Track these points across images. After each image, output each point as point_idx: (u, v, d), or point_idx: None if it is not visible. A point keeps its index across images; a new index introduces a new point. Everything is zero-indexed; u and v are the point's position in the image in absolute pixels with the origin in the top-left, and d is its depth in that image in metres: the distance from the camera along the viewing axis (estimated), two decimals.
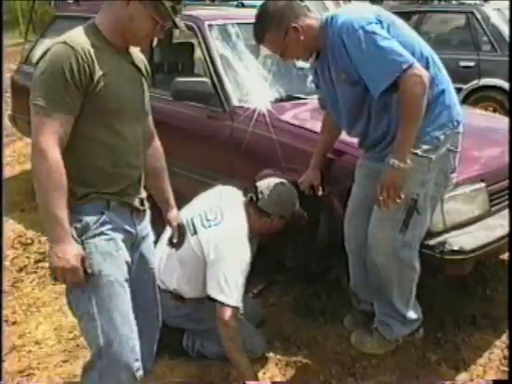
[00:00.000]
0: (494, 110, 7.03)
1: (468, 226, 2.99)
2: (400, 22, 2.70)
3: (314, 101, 3.74)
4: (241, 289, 2.80)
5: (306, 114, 3.85)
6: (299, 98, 3.95)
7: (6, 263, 4.20)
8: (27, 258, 4.30)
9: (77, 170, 1.99)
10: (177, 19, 2.04)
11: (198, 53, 4.86)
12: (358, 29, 2.50)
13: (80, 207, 2.00)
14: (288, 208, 3.01)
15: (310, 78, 3.95)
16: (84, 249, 1.98)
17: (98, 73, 1.94)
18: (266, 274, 3.86)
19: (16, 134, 6.69)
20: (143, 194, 2.25)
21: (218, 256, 2.75)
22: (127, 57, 2.12)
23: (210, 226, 2.85)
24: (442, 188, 2.74)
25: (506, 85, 6.94)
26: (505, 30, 7.15)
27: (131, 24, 2.00)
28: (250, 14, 4.35)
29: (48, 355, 3.17)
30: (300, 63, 3.82)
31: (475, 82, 7.25)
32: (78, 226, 1.99)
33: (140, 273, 2.28)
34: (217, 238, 2.77)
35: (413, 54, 2.56)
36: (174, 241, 2.51)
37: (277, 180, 3.04)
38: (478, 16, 7.28)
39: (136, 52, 2.20)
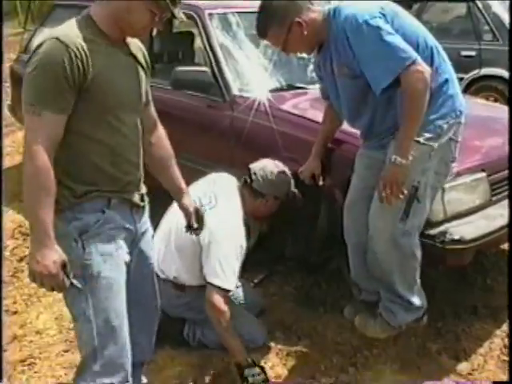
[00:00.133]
0: (496, 100, 7.00)
1: (469, 215, 2.98)
2: (404, 13, 2.69)
3: (314, 90, 3.73)
4: (236, 272, 2.82)
5: (307, 104, 3.84)
6: (300, 88, 3.93)
7: (6, 253, 4.21)
8: (27, 248, 4.28)
9: (75, 168, 1.95)
10: (176, 10, 1.97)
11: (198, 42, 4.83)
12: (362, 23, 2.49)
13: (80, 205, 1.96)
14: (282, 188, 3.02)
15: (311, 67, 3.94)
16: (84, 249, 1.95)
17: (93, 70, 1.87)
18: (267, 264, 3.86)
19: (16, 124, 6.67)
20: (143, 190, 2.20)
21: (213, 239, 2.75)
22: (124, 48, 2.05)
23: (205, 211, 2.86)
24: (442, 177, 2.74)
25: (507, 74, 6.91)
26: (506, 19, 7.11)
27: (128, 16, 1.93)
28: (250, 3, 4.34)
29: (49, 345, 3.18)
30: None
31: (476, 71, 7.22)
32: (78, 224, 1.95)
33: (139, 268, 2.24)
34: (211, 221, 2.76)
35: (417, 44, 2.56)
36: (195, 226, 2.40)
37: (270, 161, 3.06)
38: (479, 5, 7.24)
39: (133, 40, 2.13)
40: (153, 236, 2.40)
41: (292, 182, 3.06)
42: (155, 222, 2.49)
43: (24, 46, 5.96)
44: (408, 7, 7.36)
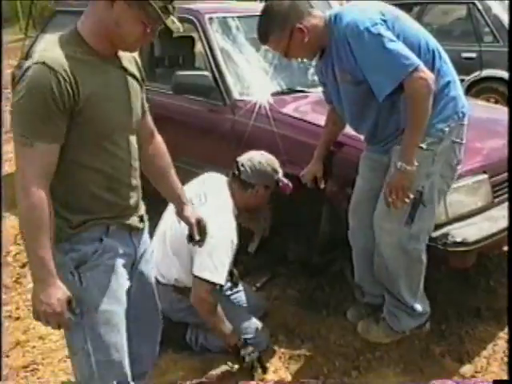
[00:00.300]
0: (496, 101, 7.00)
1: (471, 217, 2.98)
2: (404, 16, 2.69)
3: (315, 93, 3.74)
4: (227, 266, 2.81)
5: (307, 107, 3.84)
6: (300, 91, 3.93)
7: (9, 259, 4.21)
8: None
9: (70, 197, 1.87)
10: (169, 21, 1.80)
11: (198, 46, 4.84)
12: (364, 30, 2.49)
13: (76, 236, 1.88)
14: (270, 176, 3.01)
15: (311, 70, 3.95)
16: (81, 282, 1.89)
17: (83, 93, 1.75)
18: (269, 267, 3.86)
19: None
20: (142, 210, 2.13)
21: None
22: (116, 62, 1.92)
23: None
24: (448, 180, 2.75)
25: (508, 76, 6.90)
26: (506, 21, 7.10)
27: (118, 29, 1.79)
28: (250, 7, 4.36)
29: (52, 350, 3.18)
30: None
31: (477, 73, 7.22)
32: (75, 256, 1.88)
33: (140, 288, 2.18)
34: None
35: (418, 47, 2.56)
36: (197, 237, 2.31)
37: (256, 152, 3.07)
38: (480, 6, 7.24)
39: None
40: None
41: (280, 170, 3.06)
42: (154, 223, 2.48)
43: (25, 52, 5.97)
44: (408, 10, 7.37)
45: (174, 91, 3.87)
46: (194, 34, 4.71)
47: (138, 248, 2.12)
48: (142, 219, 2.11)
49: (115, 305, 1.97)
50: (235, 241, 2.87)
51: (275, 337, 3.21)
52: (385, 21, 2.54)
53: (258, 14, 2.79)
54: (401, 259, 2.76)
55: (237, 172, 3.01)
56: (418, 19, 6.82)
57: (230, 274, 3.24)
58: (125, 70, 1.95)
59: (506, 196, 3.13)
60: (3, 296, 3.46)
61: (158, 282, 2.46)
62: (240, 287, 3.29)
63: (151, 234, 2.43)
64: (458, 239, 2.80)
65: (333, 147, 3.17)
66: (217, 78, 3.80)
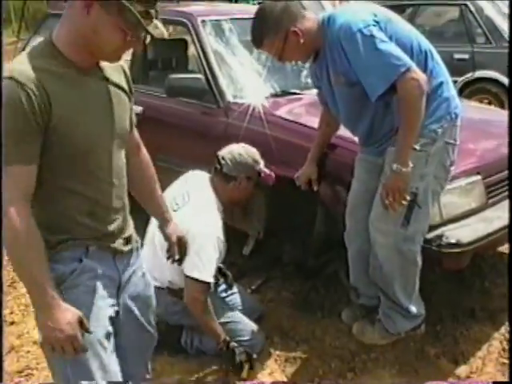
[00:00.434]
0: (489, 103, 7.03)
1: (465, 218, 2.99)
2: (396, 18, 2.70)
3: (308, 96, 3.75)
4: (214, 263, 2.82)
5: (301, 109, 3.85)
6: (294, 93, 3.93)
7: (3, 263, 4.18)
8: None
9: (48, 218, 1.75)
10: (151, 26, 1.66)
11: (191, 49, 4.84)
12: (356, 32, 2.49)
13: (56, 255, 1.76)
14: (252, 167, 3.02)
15: (305, 72, 3.95)
16: None
17: (56, 109, 1.62)
18: (264, 270, 3.86)
19: None
20: (129, 231, 1.99)
21: (188, 233, 2.76)
22: (98, 73, 1.79)
23: (179, 209, 2.89)
24: (442, 181, 2.75)
25: (500, 77, 6.94)
26: (499, 22, 7.14)
27: (95, 37, 1.64)
28: (243, 10, 4.36)
29: None
30: None
31: (470, 74, 7.26)
32: (53, 275, 1.72)
33: (129, 312, 2.03)
34: (185, 216, 2.78)
35: (411, 48, 2.57)
36: (176, 257, 2.29)
37: (236, 145, 3.09)
38: (472, 8, 7.27)
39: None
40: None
41: (261, 160, 3.06)
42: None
43: (17, 55, 5.94)
44: (401, 11, 7.40)
45: (167, 94, 3.86)
46: (187, 37, 4.71)
47: (125, 272, 1.98)
48: (128, 241, 1.98)
49: (97, 327, 1.82)
50: (221, 237, 2.88)
51: (270, 339, 3.21)
52: (377, 22, 2.54)
53: (251, 16, 2.79)
54: (396, 261, 2.76)
55: (218, 166, 3.02)
56: (410, 21, 6.85)
57: (224, 275, 3.24)
58: (108, 81, 1.82)
59: (499, 197, 3.14)
60: None
61: None
62: (235, 289, 3.29)
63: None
64: (453, 240, 2.81)
65: (326, 149, 3.17)
66: (210, 81, 3.80)
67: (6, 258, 1.85)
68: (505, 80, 6.84)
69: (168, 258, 2.32)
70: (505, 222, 2.96)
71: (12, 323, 3.49)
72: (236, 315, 3.11)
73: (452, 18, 7.87)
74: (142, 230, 2.47)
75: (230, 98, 3.75)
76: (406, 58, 2.47)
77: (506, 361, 2.95)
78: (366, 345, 3.07)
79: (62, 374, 1.83)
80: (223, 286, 3.23)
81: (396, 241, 2.72)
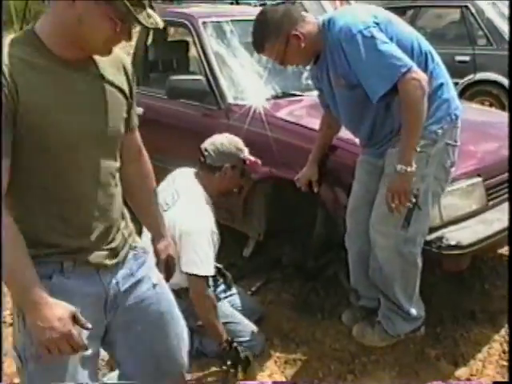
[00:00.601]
0: (491, 105, 7.02)
1: (465, 220, 2.99)
2: (397, 19, 2.70)
3: (309, 97, 3.75)
4: (211, 256, 2.83)
5: (302, 111, 3.85)
6: (295, 95, 3.94)
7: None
8: None
9: (20, 225, 1.54)
10: (142, 15, 1.52)
11: (192, 51, 4.85)
12: (356, 33, 2.50)
13: None
14: (235, 155, 3.01)
15: (306, 74, 3.95)
16: (24, 325, 1.60)
17: (25, 101, 1.48)
18: (264, 272, 3.85)
19: None
20: (116, 242, 1.79)
21: (182, 231, 2.78)
22: (89, 68, 1.65)
23: (169, 208, 2.89)
24: (442, 182, 2.75)
25: (502, 79, 6.93)
26: (500, 24, 7.13)
27: (81, 27, 1.51)
28: (244, 11, 4.36)
29: None
30: None
31: (471, 76, 7.24)
32: None
33: (129, 328, 1.87)
34: (176, 214, 2.79)
35: (411, 50, 2.57)
36: (163, 276, 2.10)
37: (218, 135, 3.10)
38: (473, 10, 7.26)
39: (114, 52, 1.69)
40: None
41: (245, 148, 3.06)
42: None
43: None
44: (402, 13, 7.40)
45: (168, 96, 3.87)
46: (188, 39, 4.72)
47: (117, 284, 1.80)
48: (116, 253, 1.79)
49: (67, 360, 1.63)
50: (214, 229, 2.89)
51: (270, 341, 3.20)
52: (378, 23, 2.54)
53: (252, 18, 2.79)
54: (396, 263, 2.76)
55: (202, 158, 3.02)
56: (411, 23, 6.86)
57: (224, 276, 3.24)
58: (101, 78, 1.68)
59: (500, 199, 3.14)
60: None
61: None
62: (234, 290, 3.29)
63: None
64: (453, 242, 2.81)
65: (327, 151, 3.17)
66: (211, 83, 3.80)
67: None
68: (506, 82, 6.83)
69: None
70: (505, 224, 2.96)
71: (11, 325, 3.48)
72: (236, 316, 3.11)
73: (453, 20, 7.87)
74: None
75: (230, 99, 3.75)
76: (406, 59, 2.47)
77: (506, 363, 2.95)
78: (366, 347, 3.07)
79: None
80: (222, 287, 3.23)
81: (396, 243, 2.72)
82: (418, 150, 2.56)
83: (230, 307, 3.17)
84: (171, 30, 6.31)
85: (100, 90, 1.67)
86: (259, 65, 4.08)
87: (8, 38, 1.55)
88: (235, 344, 2.87)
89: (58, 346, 1.53)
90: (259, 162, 3.05)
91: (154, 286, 1.91)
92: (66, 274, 1.66)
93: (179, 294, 2.94)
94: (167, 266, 2.10)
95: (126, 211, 1.90)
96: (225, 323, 2.96)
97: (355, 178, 2.96)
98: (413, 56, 2.56)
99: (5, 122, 1.46)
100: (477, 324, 3.31)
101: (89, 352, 1.69)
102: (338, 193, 3.11)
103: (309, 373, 2.99)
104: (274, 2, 2.93)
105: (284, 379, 2.96)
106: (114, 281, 1.78)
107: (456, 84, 6.74)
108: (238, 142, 3.05)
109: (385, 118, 2.69)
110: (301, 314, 3.46)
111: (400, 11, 6.97)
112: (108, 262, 1.76)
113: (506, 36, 6.93)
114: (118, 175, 1.79)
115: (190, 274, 2.78)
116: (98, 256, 1.72)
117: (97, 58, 1.67)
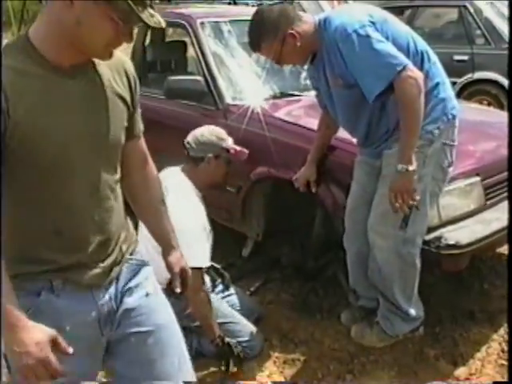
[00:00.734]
0: (489, 104, 7.03)
1: (464, 220, 2.98)
2: (393, 19, 2.70)
3: (307, 97, 3.75)
4: (206, 248, 2.82)
5: (300, 111, 3.84)
6: (293, 95, 3.93)
7: None
8: None
9: (9, 241, 1.45)
10: (145, 14, 1.43)
11: (190, 51, 4.84)
12: (352, 33, 2.50)
13: (18, 285, 1.48)
14: (216, 144, 3.02)
15: (304, 74, 3.95)
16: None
17: (16, 112, 1.39)
18: (263, 272, 3.85)
19: None
20: (112, 257, 1.70)
21: (175, 229, 2.77)
22: (88, 74, 1.55)
23: None
24: (440, 182, 2.75)
25: (500, 78, 6.94)
26: (498, 24, 7.14)
27: (80, 30, 1.42)
28: (242, 12, 4.36)
29: None
30: None
31: (469, 75, 7.25)
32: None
33: (127, 342, 1.77)
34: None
35: (407, 49, 2.57)
36: (177, 290, 1.97)
37: (200, 128, 3.10)
38: (471, 9, 7.27)
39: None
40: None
41: (227, 137, 3.06)
42: None
43: None
44: (400, 13, 7.41)
45: (166, 96, 3.86)
46: (186, 39, 4.71)
47: (106, 300, 1.70)
48: (110, 269, 1.69)
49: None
50: (206, 222, 2.89)
51: (269, 341, 3.20)
52: (373, 23, 2.54)
53: (249, 18, 2.78)
54: (395, 263, 2.76)
55: (186, 152, 3.02)
56: (409, 23, 6.87)
57: (222, 276, 3.24)
58: (101, 84, 1.59)
59: (498, 198, 3.14)
60: None
61: None
62: (232, 290, 3.29)
63: None
64: (451, 242, 2.80)
65: (326, 151, 3.17)
66: (209, 83, 3.80)
67: None
68: (504, 81, 6.83)
69: (170, 292, 2.01)
70: (503, 223, 2.96)
71: None
72: (235, 316, 3.10)
73: (451, 19, 7.87)
74: None
75: (229, 99, 3.75)
76: (402, 57, 2.47)
77: (505, 362, 2.95)
78: (365, 347, 3.07)
79: None
80: (220, 287, 3.23)
81: (395, 243, 2.72)
82: (416, 150, 2.56)
83: (229, 307, 3.17)
84: (169, 30, 6.31)
85: (98, 98, 1.58)
86: (257, 65, 4.08)
87: (2, 45, 1.49)
88: (228, 340, 2.87)
89: (35, 372, 1.41)
90: (245, 150, 3.05)
91: (147, 295, 1.81)
92: (56, 292, 1.58)
93: (177, 293, 2.94)
94: (182, 279, 1.97)
95: (128, 221, 1.83)
96: (224, 323, 2.96)
97: (354, 178, 2.96)
98: (409, 55, 2.56)
99: None
100: (476, 324, 3.31)
101: (87, 371, 1.67)
102: (337, 193, 3.11)
103: (308, 373, 2.99)
104: (271, 2, 2.92)
105: (283, 379, 2.96)
106: (107, 297, 1.70)
107: (454, 83, 6.76)
108: (220, 132, 3.06)
109: (380, 117, 2.69)
110: (300, 314, 3.46)
111: (398, 11, 6.99)
112: (101, 281, 1.68)
113: (505, 35, 6.94)
114: (118, 188, 1.71)
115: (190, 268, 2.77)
116: (90, 277, 1.64)
117: (96, 62, 1.58)
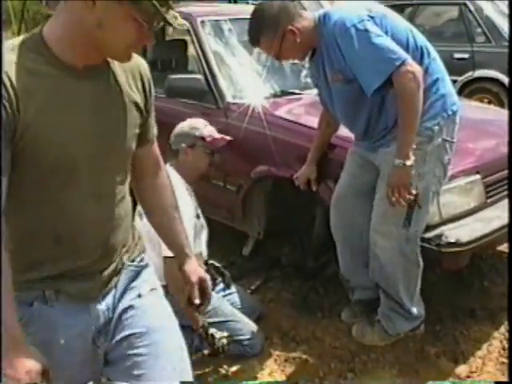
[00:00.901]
0: (490, 102, 7.02)
1: (464, 218, 2.98)
2: (392, 14, 2.70)
3: (308, 96, 3.75)
4: (192, 238, 2.79)
5: (301, 109, 3.85)
6: (293, 93, 3.93)
7: None
8: None
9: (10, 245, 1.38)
10: (168, 15, 1.38)
11: (191, 50, 4.84)
12: (350, 27, 2.50)
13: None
14: (189, 134, 3.04)
15: (304, 72, 3.95)
16: None
17: (26, 113, 1.33)
18: (263, 270, 3.86)
19: None
20: (112, 266, 1.63)
21: None
22: (102, 76, 1.50)
23: None
24: (441, 179, 2.74)
25: (500, 76, 6.93)
26: (498, 21, 7.14)
27: (101, 31, 1.36)
28: (242, 10, 4.35)
29: None
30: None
31: (470, 73, 7.25)
32: None
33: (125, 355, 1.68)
34: None
35: (407, 44, 2.57)
36: (196, 301, 1.88)
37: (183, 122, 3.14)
38: (471, 7, 7.27)
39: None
40: None
41: (202, 127, 3.08)
42: None
43: None
44: (400, 11, 7.39)
45: (166, 95, 3.86)
46: (187, 38, 4.71)
47: (103, 311, 1.63)
48: (108, 280, 1.63)
49: None
50: (194, 215, 2.93)
51: (270, 339, 3.21)
52: (372, 17, 2.55)
53: (250, 16, 2.79)
54: (399, 262, 2.75)
55: (169, 146, 3.05)
56: (410, 21, 6.81)
57: (222, 275, 3.23)
58: (116, 87, 1.53)
59: (498, 196, 3.14)
60: None
61: None
62: (233, 289, 3.28)
63: None
64: (452, 240, 2.80)
65: (326, 149, 3.17)
66: (210, 82, 3.80)
67: None
68: (505, 79, 6.83)
69: (188, 304, 1.92)
70: (504, 221, 2.96)
71: None
72: (236, 314, 3.10)
73: (451, 17, 7.86)
74: None
75: (229, 98, 3.74)
76: (401, 51, 2.47)
77: (506, 360, 2.95)
78: (366, 345, 3.07)
79: None
80: (221, 286, 3.23)
81: (399, 242, 2.71)
82: (414, 147, 2.56)
83: (230, 306, 3.17)
84: (169, 29, 6.30)
85: (109, 102, 1.51)
86: (258, 63, 4.08)
87: (12, 41, 1.41)
88: (212, 330, 2.85)
89: None
90: (226, 138, 3.09)
91: (139, 296, 1.72)
92: (50, 303, 1.51)
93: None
94: (201, 290, 1.88)
95: (136, 229, 1.78)
96: (224, 322, 2.96)
97: (344, 168, 2.96)
98: (408, 50, 2.55)
99: (4, 138, 1.31)
100: (476, 322, 3.31)
101: None
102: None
103: (309, 371, 3.00)
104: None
105: (284, 378, 2.96)
106: (104, 307, 1.63)
107: (454, 81, 6.74)
108: (196, 121, 3.10)
109: (379, 113, 2.69)
110: (300, 313, 3.47)
111: (398, 9, 6.96)
112: (98, 292, 1.61)
113: (505, 33, 6.94)
114: (127, 195, 1.66)
115: (169, 257, 2.71)
116: (87, 288, 1.57)
117: (111, 63, 1.52)
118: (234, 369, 2.95)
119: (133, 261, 1.72)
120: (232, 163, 3.61)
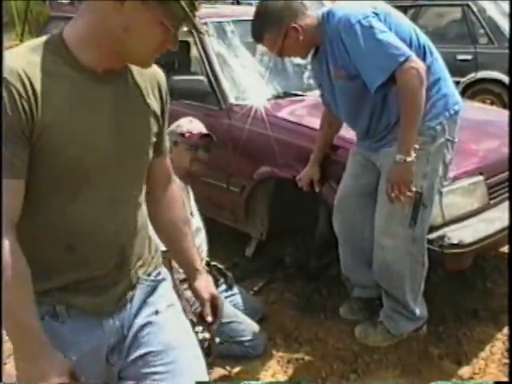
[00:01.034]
0: (492, 103, 7.02)
1: (467, 219, 2.98)
2: (396, 12, 2.71)
3: (311, 97, 3.75)
4: None
5: (303, 111, 3.85)
6: (296, 95, 3.94)
7: None
8: None
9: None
10: (197, 21, 1.34)
11: (194, 51, 4.84)
12: (355, 23, 2.50)
13: None
14: (173, 131, 3.02)
15: (307, 74, 3.95)
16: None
17: (44, 115, 1.29)
18: (267, 271, 3.86)
19: None
20: (127, 280, 1.58)
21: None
22: (121, 81, 1.46)
23: None
24: (443, 178, 2.75)
25: (503, 77, 6.93)
26: (501, 23, 7.13)
27: (127, 35, 1.32)
28: (245, 12, 4.35)
29: None
30: (297, 59, 3.82)
31: (472, 75, 7.25)
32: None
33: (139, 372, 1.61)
34: None
35: (410, 42, 2.58)
36: (209, 319, 1.80)
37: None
38: (474, 9, 7.27)
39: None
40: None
41: (185, 123, 3.08)
42: None
43: None
44: (403, 12, 7.36)
45: (169, 96, 3.86)
46: (190, 39, 4.71)
47: (117, 327, 1.57)
48: (123, 294, 1.57)
49: None
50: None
51: (273, 340, 3.21)
52: (376, 14, 2.55)
53: (253, 13, 2.79)
54: (406, 263, 2.75)
55: None
56: (412, 22, 6.82)
57: (224, 276, 3.24)
58: (134, 94, 1.49)
59: (501, 197, 3.14)
60: None
61: None
62: (235, 290, 3.28)
63: None
64: (455, 241, 2.80)
65: (329, 150, 3.17)
66: (212, 83, 3.80)
67: None
68: (507, 80, 6.83)
69: (200, 321, 1.88)
70: (506, 223, 2.96)
71: None
72: (238, 316, 3.11)
73: (454, 18, 7.86)
74: None
75: (232, 99, 3.75)
76: (404, 48, 2.47)
77: (508, 361, 2.95)
78: (369, 346, 3.07)
79: None
80: (223, 287, 3.23)
81: (405, 243, 2.71)
82: (417, 147, 2.56)
83: (232, 307, 3.18)
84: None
85: (128, 108, 1.46)
86: (260, 65, 4.09)
87: (34, 42, 1.37)
88: (196, 329, 2.82)
89: None
90: (203, 131, 3.07)
91: (157, 312, 1.65)
92: (61, 319, 1.46)
93: (176, 288, 2.94)
94: (214, 307, 1.83)
95: (152, 240, 1.72)
96: (227, 323, 2.96)
97: (347, 168, 2.96)
98: (411, 48, 2.55)
99: (18, 138, 1.27)
100: (479, 322, 3.31)
101: None
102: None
103: (312, 372, 2.99)
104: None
105: (287, 379, 2.96)
106: (118, 323, 1.56)
107: (457, 83, 6.76)
108: (185, 120, 3.09)
109: (382, 110, 2.68)
110: (303, 314, 3.47)
111: (401, 10, 6.94)
112: (111, 307, 1.55)
113: (508, 34, 6.93)
114: (143, 205, 1.61)
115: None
116: (99, 303, 1.51)
117: (130, 69, 1.48)
118: (236, 370, 2.95)
119: (149, 275, 1.65)
120: (235, 164, 3.61)
